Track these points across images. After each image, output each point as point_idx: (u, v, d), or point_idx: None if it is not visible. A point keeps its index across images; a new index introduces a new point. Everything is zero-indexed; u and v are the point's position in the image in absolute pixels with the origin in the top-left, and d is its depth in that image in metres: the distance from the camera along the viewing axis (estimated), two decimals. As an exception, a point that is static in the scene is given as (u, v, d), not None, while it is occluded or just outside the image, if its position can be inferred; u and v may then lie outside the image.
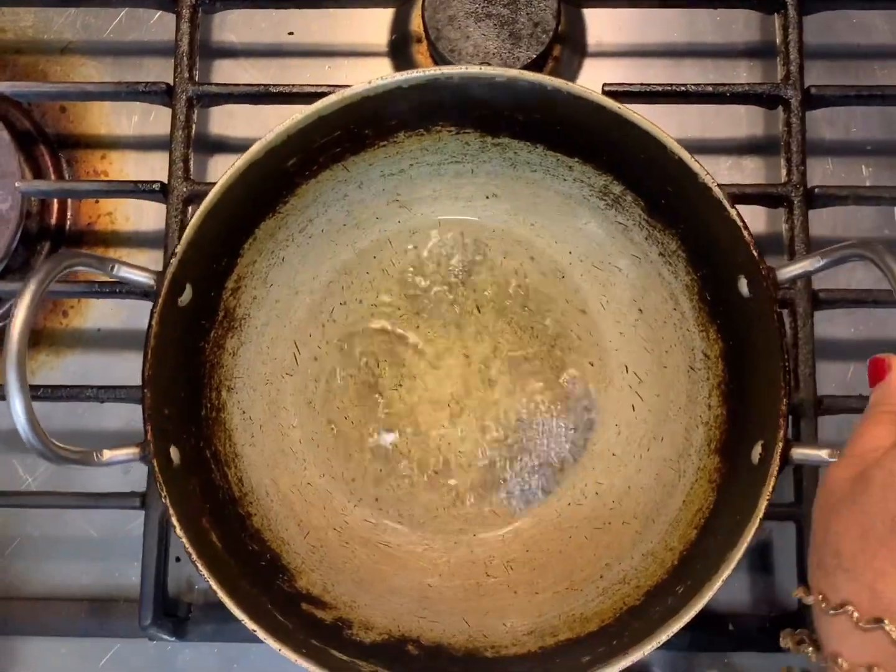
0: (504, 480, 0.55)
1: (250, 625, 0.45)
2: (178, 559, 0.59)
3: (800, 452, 0.45)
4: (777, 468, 0.44)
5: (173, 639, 0.57)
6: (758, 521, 0.44)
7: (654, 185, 0.51)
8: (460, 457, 0.55)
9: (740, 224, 0.46)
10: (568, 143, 0.52)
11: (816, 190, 0.57)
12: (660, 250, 0.54)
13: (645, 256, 0.55)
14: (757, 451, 0.47)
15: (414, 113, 0.51)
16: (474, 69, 0.48)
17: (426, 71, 0.48)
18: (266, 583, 0.50)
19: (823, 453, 0.45)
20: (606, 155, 0.52)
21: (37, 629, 0.59)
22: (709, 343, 0.53)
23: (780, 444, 0.44)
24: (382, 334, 0.56)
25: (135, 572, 0.57)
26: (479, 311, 0.56)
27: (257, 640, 0.53)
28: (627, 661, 0.44)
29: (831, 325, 0.60)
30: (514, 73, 0.47)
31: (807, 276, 0.47)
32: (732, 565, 0.44)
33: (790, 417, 0.48)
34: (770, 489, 0.44)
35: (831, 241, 0.59)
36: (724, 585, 0.55)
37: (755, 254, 0.46)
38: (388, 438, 0.56)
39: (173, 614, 0.57)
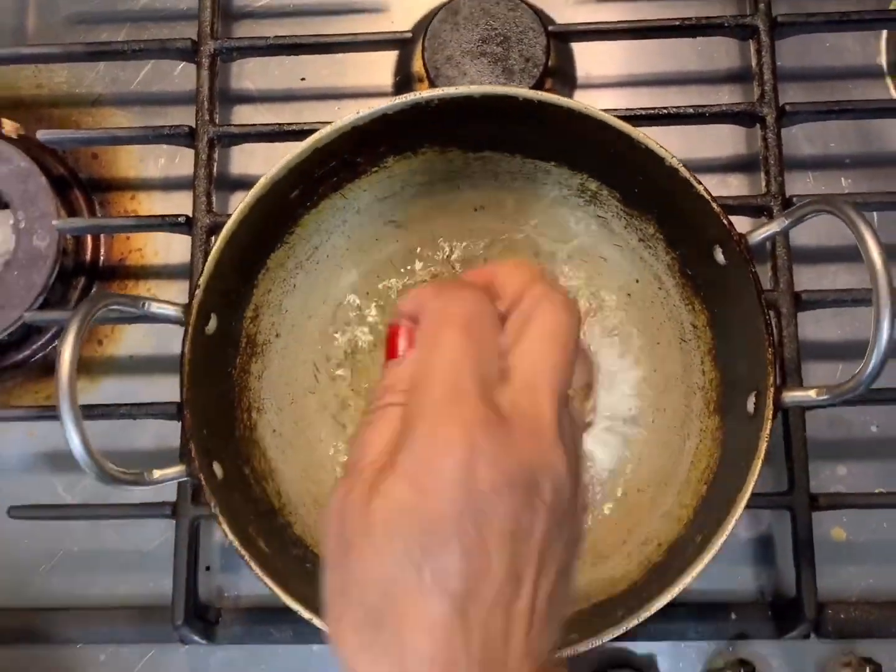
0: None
1: (306, 615, 0.48)
2: (207, 568, 0.63)
3: (790, 395, 0.49)
4: (771, 412, 0.48)
5: (204, 641, 0.60)
6: (760, 462, 0.47)
7: (626, 176, 0.55)
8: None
9: (708, 198, 0.50)
10: (543, 150, 0.57)
11: (794, 199, 0.61)
12: (639, 236, 0.58)
13: (626, 244, 0.59)
14: (751, 401, 0.50)
15: (401, 137, 0.55)
16: (450, 90, 0.52)
17: (407, 97, 0.52)
18: (315, 582, 0.53)
19: (812, 393, 0.48)
20: (579, 156, 0.56)
21: (78, 637, 0.63)
22: (695, 314, 0.57)
23: (772, 390, 0.48)
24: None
25: (168, 582, 0.60)
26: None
27: (285, 642, 0.57)
28: (658, 606, 0.47)
29: (819, 326, 0.64)
30: (486, 89, 0.52)
31: (775, 237, 0.51)
32: (743, 505, 0.47)
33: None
34: (767, 432, 0.48)
35: (813, 250, 0.64)
36: (728, 573, 0.60)
37: (725, 223, 0.50)
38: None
39: (204, 619, 0.60)
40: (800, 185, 0.66)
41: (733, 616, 0.60)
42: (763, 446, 0.47)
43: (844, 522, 0.62)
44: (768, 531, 0.62)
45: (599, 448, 0.58)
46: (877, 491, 0.62)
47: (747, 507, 0.59)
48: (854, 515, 0.62)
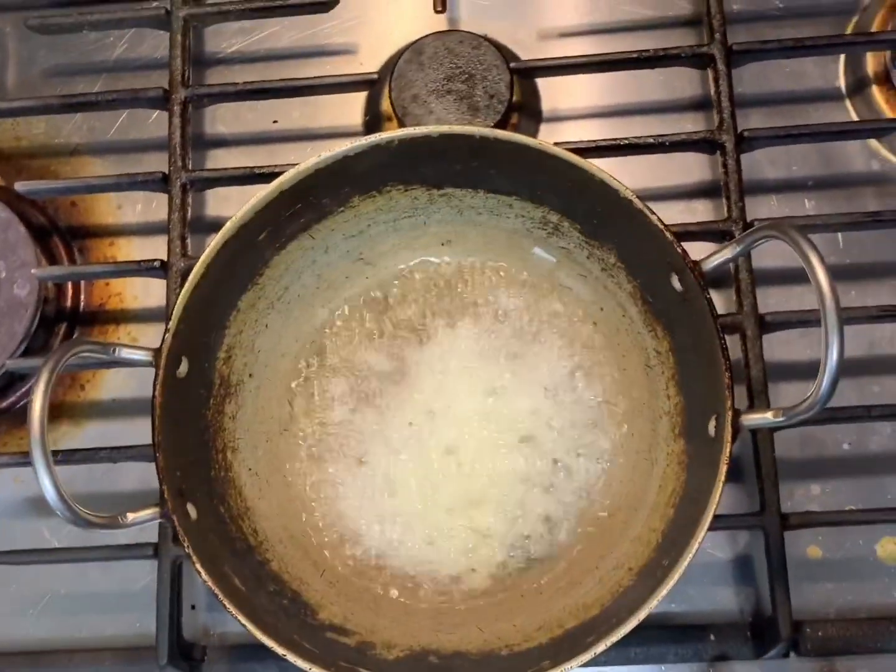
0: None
1: (280, 650, 0.48)
2: (193, 607, 0.64)
3: (748, 418, 0.49)
4: (730, 434, 0.49)
5: (190, 680, 0.61)
6: (721, 484, 0.48)
7: (585, 209, 0.56)
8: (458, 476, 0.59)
9: (662, 227, 0.51)
10: (504, 185, 0.58)
11: (755, 223, 0.62)
12: (601, 266, 0.59)
13: (589, 273, 0.60)
14: (712, 424, 0.51)
15: (364, 178, 0.57)
16: (410, 131, 0.54)
17: (368, 139, 0.54)
18: (290, 617, 0.54)
19: (769, 415, 0.49)
20: (539, 190, 0.57)
21: (66, 679, 0.63)
22: (658, 340, 0.58)
23: (730, 413, 0.49)
24: (365, 383, 0.61)
25: (153, 622, 0.61)
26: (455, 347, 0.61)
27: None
28: (625, 630, 0.47)
29: (787, 347, 0.65)
30: (444, 128, 0.53)
31: (728, 263, 0.51)
32: (705, 528, 0.48)
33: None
34: (727, 454, 0.48)
35: (776, 272, 0.65)
36: (707, 594, 0.60)
37: (679, 251, 0.51)
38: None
39: (189, 657, 0.61)
40: (764, 208, 0.67)
41: (712, 637, 0.60)
42: (723, 469, 0.48)
43: (819, 541, 0.63)
44: (746, 551, 0.63)
45: (571, 475, 0.59)
46: (849, 508, 0.62)
47: (721, 528, 0.61)
48: (829, 533, 0.62)
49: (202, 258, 0.53)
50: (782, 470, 0.61)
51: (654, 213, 0.52)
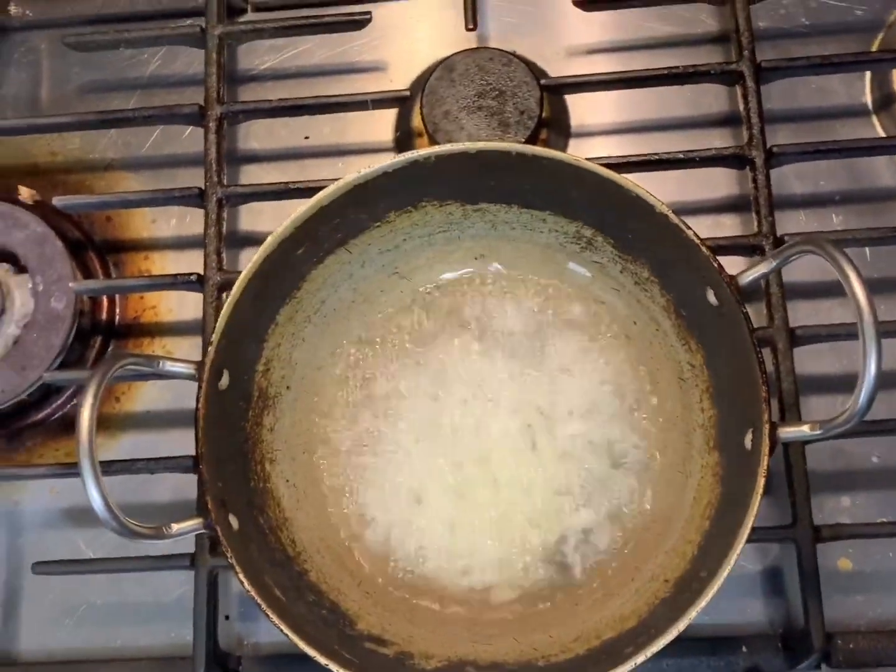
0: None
1: (323, 661, 0.49)
2: (227, 617, 0.64)
3: (785, 431, 0.50)
4: (767, 447, 0.49)
5: (226, 691, 0.61)
6: (759, 496, 0.49)
7: (619, 223, 0.57)
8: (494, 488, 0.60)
9: (698, 242, 0.52)
10: (538, 200, 0.59)
11: (786, 238, 0.63)
12: (635, 279, 0.60)
13: (623, 287, 0.61)
14: (748, 437, 0.52)
15: (400, 193, 0.58)
16: (447, 147, 0.55)
17: (406, 155, 0.55)
18: (330, 627, 0.54)
19: (806, 428, 0.50)
20: (573, 205, 0.58)
21: (102, 689, 0.64)
22: (692, 354, 0.58)
23: (767, 426, 0.49)
24: (399, 397, 0.62)
25: (188, 632, 0.62)
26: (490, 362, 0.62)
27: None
28: (665, 641, 0.48)
29: (817, 360, 0.65)
30: (480, 145, 0.54)
31: (764, 278, 0.53)
32: (744, 539, 0.49)
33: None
34: (765, 468, 0.49)
35: (808, 285, 0.66)
36: (738, 606, 0.61)
37: (716, 266, 0.52)
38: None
39: (225, 667, 0.62)
40: (792, 223, 0.68)
41: (744, 649, 0.61)
42: (761, 482, 0.49)
43: (850, 553, 0.63)
44: (776, 563, 0.63)
45: (606, 487, 0.59)
46: (879, 521, 0.63)
47: (753, 540, 0.61)
48: (859, 546, 0.63)
49: (244, 273, 0.54)
50: (812, 482, 0.61)
51: (689, 227, 0.52)
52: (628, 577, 0.56)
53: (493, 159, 0.55)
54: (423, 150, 0.55)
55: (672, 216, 0.53)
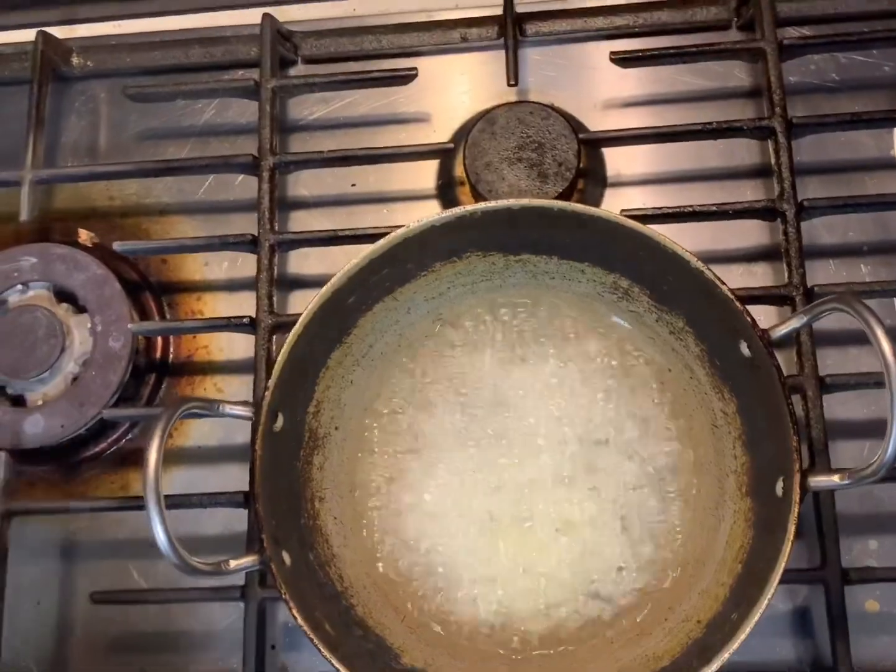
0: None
1: None
2: (273, 647, 0.67)
3: (816, 480, 0.53)
4: (798, 496, 0.52)
5: (271, 719, 0.64)
6: (790, 543, 0.51)
7: (655, 276, 0.60)
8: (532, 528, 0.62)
9: (732, 297, 0.55)
10: (577, 252, 0.62)
11: (815, 289, 0.65)
12: (670, 329, 0.63)
13: (658, 336, 0.63)
14: (780, 485, 0.54)
15: (446, 244, 0.61)
16: (493, 204, 0.58)
17: (454, 211, 0.58)
18: (376, 661, 0.57)
19: (836, 478, 0.52)
20: (611, 257, 0.61)
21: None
22: (725, 402, 0.61)
23: (798, 475, 0.52)
24: (442, 439, 0.65)
25: (235, 660, 0.65)
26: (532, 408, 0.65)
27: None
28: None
29: (846, 406, 0.67)
30: (524, 202, 0.58)
31: (796, 332, 0.56)
32: (775, 584, 0.51)
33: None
34: (795, 515, 0.52)
35: (836, 335, 0.68)
36: (767, 645, 0.62)
37: (749, 320, 0.54)
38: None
39: (271, 695, 0.64)
40: (821, 273, 0.70)
41: (774, 689, 0.63)
42: (792, 528, 0.51)
43: (878, 595, 0.65)
44: (805, 604, 0.65)
45: (641, 528, 0.62)
46: (907, 565, 0.64)
47: (783, 582, 0.63)
48: (886, 588, 0.64)
49: (300, 321, 0.57)
50: (841, 525, 0.63)
51: (724, 283, 0.55)
52: (661, 616, 0.59)
53: (536, 214, 0.58)
54: (469, 207, 0.58)
55: (707, 272, 0.55)
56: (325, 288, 0.57)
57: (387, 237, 0.58)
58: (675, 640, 0.56)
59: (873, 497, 0.66)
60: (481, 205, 0.58)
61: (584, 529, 0.62)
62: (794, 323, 0.54)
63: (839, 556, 0.62)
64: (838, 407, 0.67)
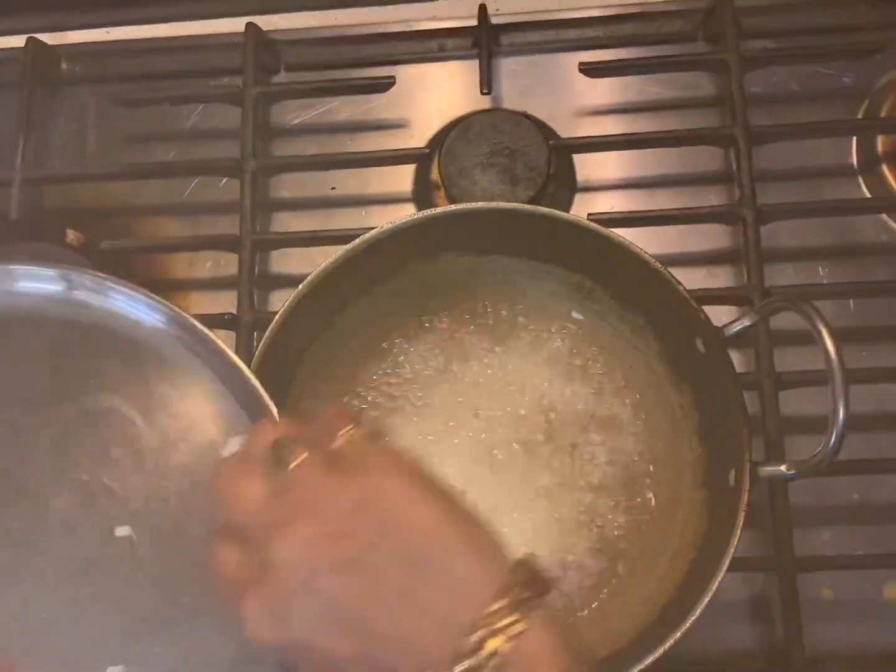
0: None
1: None
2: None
3: (765, 470, 0.56)
4: (748, 484, 0.55)
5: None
6: (738, 529, 0.54)
7: (617, 276, 0.63)
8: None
9: (687, 296, 0.58)
10: (545, 253, 0.65)
11: (773, 290, 0.68)
12: (631, 327, 0.66)
13: (620, 334, 0.66)
14: (732, 475, 0.57)
15: (420, 245, 0.63)
16: (464, 206, 0.61)
17: (425, 212, 0.60)
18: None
19: (783, 468, 0.55)
20: (576, 258, 0.64)
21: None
22: (682, 397, 0.64)
23: (748, 465, 0.55)
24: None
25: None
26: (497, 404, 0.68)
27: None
28: (651, 658, 0.53)
29: (801, 403, 0.70)
30: (494, 204, 0.61)
31: (747, 329, 0.58)
32: (725, 568, 0.54)
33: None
34: (745, 502, 0.54)
35: (791, 333, 0.71)
36: (726, 631, 0.65)
37: (703, 318, 0.58)
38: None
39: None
40: (781, 275, 0.73)
41: (728, 672, 0.66)
42: (741, 516, 0.54)
43: (831, 584, 0.68)
44: (762, 592, 0.68)
45: (602, 521, 0.65)
46: (857, 553, 0.67)
47: (739, 570, 0.66)
48: (840, 577, 0.67)
49: (279, 314, 0.59)
50: (796, 517, 0.66)
51: (680, 283, 0.58)
52: (621, 600, 0.61)
53: (505, 217, 0.61)
54: (440, 209, 0.61)
55: (664, 271, 0.58)
56: (301, 286, 0.60)
57: (362, 237, 0.60)
58: (633, 623, 0.59)
59: (827, 490, 0.69)
60: (453, 207, 0.61)
61: (547, 521, 0.65)
62: (746, 321, 0.57)
63: (792, 545, 0.65)
64: (795, 403, 0.70)
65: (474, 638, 0.39)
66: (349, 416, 0.47)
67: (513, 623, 0.40)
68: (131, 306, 0.54)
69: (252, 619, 0.42)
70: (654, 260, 0.58)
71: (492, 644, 0.39)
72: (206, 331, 0.53)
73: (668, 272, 0.58)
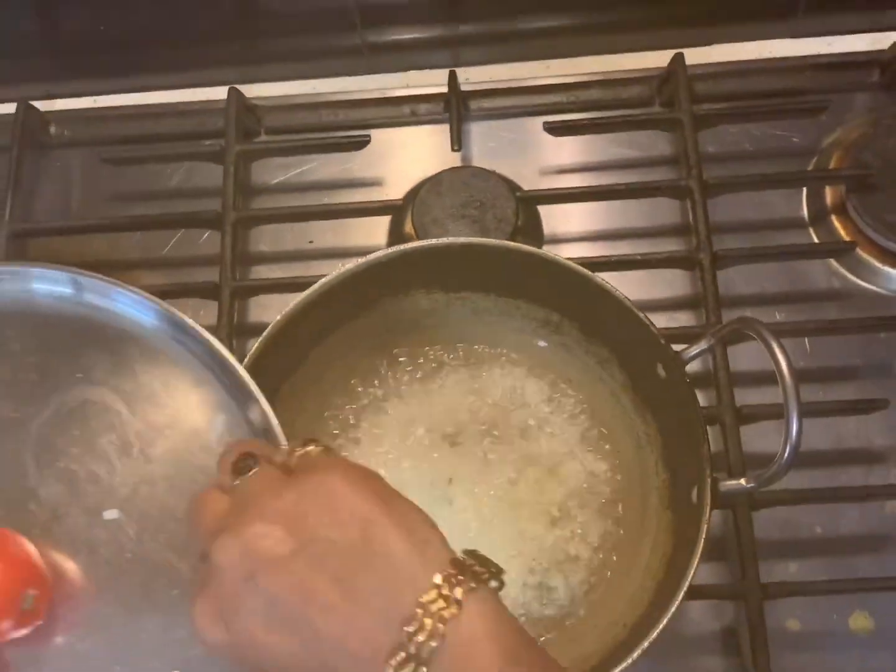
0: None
1: None
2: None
3: (726, 484, 0.58)
4: (709, 499, 0.56)
5: None
6: (702, 542, 0.55)
7: (582, 309, 0.66)
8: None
9: (648, 323, 0.61)
10: (512, 289, 0.68)
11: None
12: (597, 359, 0.68)
13: (587, 367, 0.69)
14: (694, 493, 0.59)
15: (392, 282, 0.66)
16: (433, 241, 0.64)
17: (398, 247, 0.64)
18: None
19: (742, 481, 0.57)
20: (543, 293, 0.67)
21: None
22: (647, 424, 0.66)
23: (709, 479, 0.57)
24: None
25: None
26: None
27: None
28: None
29: (763, 440, 0.73)
30: (463, 240, 0.64)
31: (703, 353, 0.61)
32: (688, 581, 0.55)
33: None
34: (707, 517, 0.56)
35: (748, 373, 0.74)
36: (696, 663, 0.66)
37: (663, 343, 0.60)
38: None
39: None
40: (739, 349, 0.76)
41: (702, 710, 0.66)
42: (704, 527, 0.55)
43: (798, 614, 0.69)
44: (732, 624, 0.69)
45: (574, 548, 0.66)
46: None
47: (707, 597, 0.67)
48: (806, 607, 0.69)
49: (254, 347, 0.61)
50: (762, 550, 0.67)
51: (641, 311, 0.61)
52: (592, 623, 0.62)
53: (475, 253, 0.64)
54: (412, 244, 0.64)
55: (626, 301, 0.61)
56: (279, 317, 0.62)
57: (336, 271, 0.63)
58: (603, 642, 0.60)
59: (791, 524, 0.71)
60: (423, 242, 0.64)
61: (515, 542, 0.66)
62: (703, 344, 0.60)
63: (757, 571, 0.66)
64: (758, 440, 0.72)
65: (410, 628, 0.39)
66: (309, 440, 0.49)
67: (447, 607, 0.40)
68: (119, 302, 0.58)
69: (198, 620, 0.43)
70: (615, 290, 0.61)
71: (426, 630, 0.39)
72: (192, 322, 0.57)
73: (629, 301, 0.61)
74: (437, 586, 0.40)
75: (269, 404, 0.56)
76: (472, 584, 0.41)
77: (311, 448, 0.48)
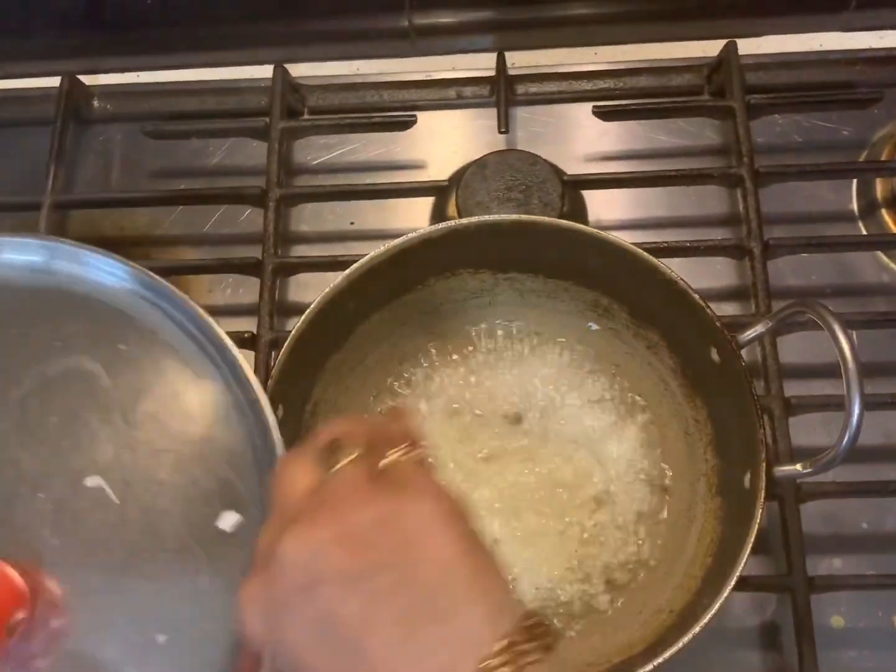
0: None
1: None
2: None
3: (780, 470, 0.56)
4: (764, 483, 0.55)
5: None
6: (755, 527, 0.54)
7: (632, 292, 0.65)
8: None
9: (703, 305, 0.60)
10: (561, 271, 0.67)
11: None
12: (646, 344, 0.67)
13: (635, 351, 0.68)
14: (747, 478, 0.57)
15: (440, 260, 0.66)
16: (485, 218, 0.63)
17: (449, 224, 0.63)
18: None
19: (798, 466, 0.56)
20: (592, 275, 0.66)
21: None
22: (696, 410, 0.65)
23: (763, 464, 0.56)
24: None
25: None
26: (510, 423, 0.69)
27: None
28: (670, 652, 0.53)
29: (810, 434, 0.71)
30: (514, 217, 0.63)
31: (761, 336, 0.60)
32: (742, 565, 0.54)
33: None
34: (762, 501, 0.55)
35: (799, 366, 0.73)
36: (737, 658, 0.65)
37: (719, 326, 0.59)
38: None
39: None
40: (787, 316, 0.75)
41: (741, 700, 0.65)
42: (759, 512, 0.54)
43: (843, 611, 0.68)
44: (773, 618, 0.68)
45: (619, 533, 0.65)
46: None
47: (753, 589, 0.66)
48: (850, 604, 0.67)
49: (303, 318, 0.61)
50: (808, 545, 0.66)
51: (696, 292, 0.60)
52: (636, 610, 0.61)
53: (525, 232, 0.63)
54: (463, 220, 0.63)
55: (681, 282, 0.60)
56: (327, 290, 0.62)
57: (386, 247, 0.62)
58: (650, 629, 0.59)
59: (837, 519, 0.70)
60: (474, 219, 0.63)
61: (565, 533, 0.65)
62: (760, 328, 0.58)
63: (804, 564, 0.65)
64: (805, 434, 0.71)
65: None
66: (409, 434, 0.46)
67: None
68: (93, 267, 0.58)
69: (245, 604, 0.42)
70: (670, 270, 0.60)
71: None
72: (166, 283, 0.57)
73: (684, 282, 0.60)
74: (503, 655, 0.38)
75: (249, 366, 0.56)
76: (537, 656, 0.39)
77: (407, 450, 0.45)
